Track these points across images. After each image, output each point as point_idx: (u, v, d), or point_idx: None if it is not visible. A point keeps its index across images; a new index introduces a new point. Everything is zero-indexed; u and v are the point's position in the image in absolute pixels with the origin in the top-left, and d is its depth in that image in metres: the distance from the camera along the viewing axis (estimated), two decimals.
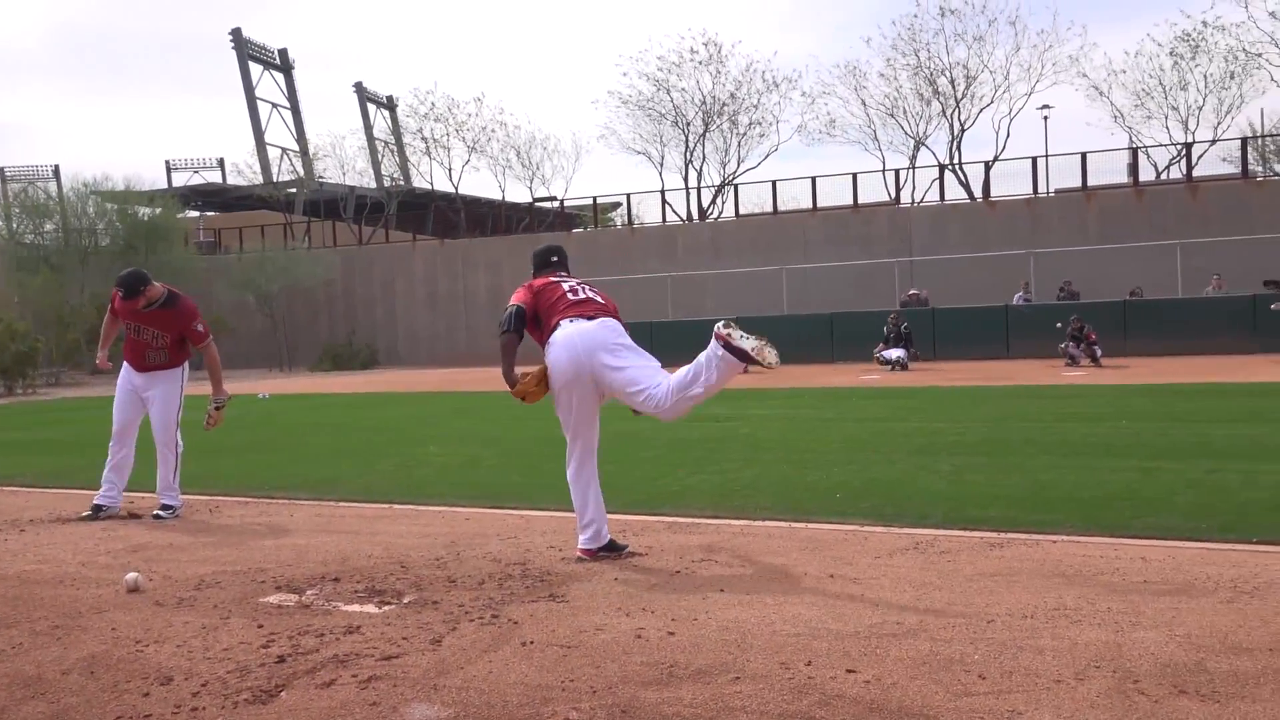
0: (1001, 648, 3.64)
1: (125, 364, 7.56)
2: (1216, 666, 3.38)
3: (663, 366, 5.51)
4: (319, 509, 7.39)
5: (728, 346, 5.02)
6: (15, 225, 41.69)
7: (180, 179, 48.84)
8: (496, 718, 3.18)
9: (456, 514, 6.93)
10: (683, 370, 5.17)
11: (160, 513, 7.25)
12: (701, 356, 5.15)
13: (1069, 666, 3.42)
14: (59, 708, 3.41)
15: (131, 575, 4.99)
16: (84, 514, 7.27)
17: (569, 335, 5.30)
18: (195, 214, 50.26)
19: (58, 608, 4.67)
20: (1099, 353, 21.28)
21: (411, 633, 4.06)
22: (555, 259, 5.95)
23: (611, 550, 5.38)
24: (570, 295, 5.55)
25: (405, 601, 4.57)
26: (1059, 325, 22.08)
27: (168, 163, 49.53)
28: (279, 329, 38.49)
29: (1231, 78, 33.53)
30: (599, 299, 5.59)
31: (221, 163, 49.99)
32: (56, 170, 46.39)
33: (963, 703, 3.16)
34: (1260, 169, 36.55)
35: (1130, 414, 11.64)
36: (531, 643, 3.89)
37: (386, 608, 4.47)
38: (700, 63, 39.51)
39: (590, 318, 5.39)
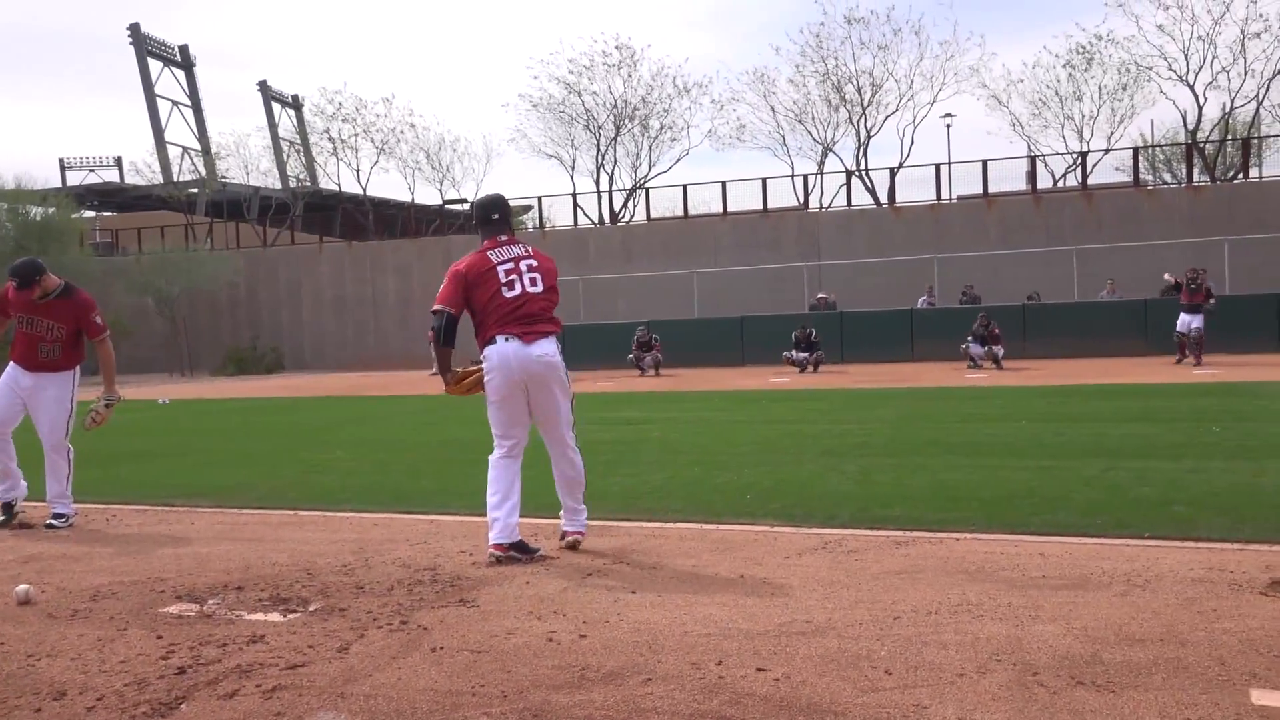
0: (907, 643, 3.71)
1: (12, 364, 7.23)
2: (1111, 657, 3.50)
3: (572, 370, 5.62)
4: (221, 516, 7.21)
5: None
6: None
7: (75, 178, 47.39)
8: None
9: (365, 519, 6.83)
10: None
11: (53, 522, 6.98)
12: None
13: (972, 660, 3.51)
14: None
15: (22, 588, 4.80)
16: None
17: (505, 357, 5.35)
18: (91, 214, 48.67)
19: None
20: (1001, 353, 21.84)
21: (318, 641, 3.99)
22: (496, 216, 5.72)
23: (522, 551, 5.35)
24: (506, 292, 5.41)
25: (311, 609, 4.48)
26: (975, 326, 22.56)
27: (62, 161, 48.05)
28: (180, 333, 37.49)
29: (1124, 89, 34.74)
30: (538, 288, 5.49)
31: (119, 161, 48.61)
32: None
33: (870, 698, 3.21)
34: (1150, 178, 38.00)
35: (1029, 415, 11.98)
36: (441, 648, 3.84)
37: (292, 616, 4.38)
38: (612, 66, 39.59)
39: (527, 339, 5.36)
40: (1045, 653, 3.56)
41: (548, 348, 5.40)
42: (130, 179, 46.89)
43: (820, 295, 28.52)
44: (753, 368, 25.49)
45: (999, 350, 21.88)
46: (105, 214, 50.07)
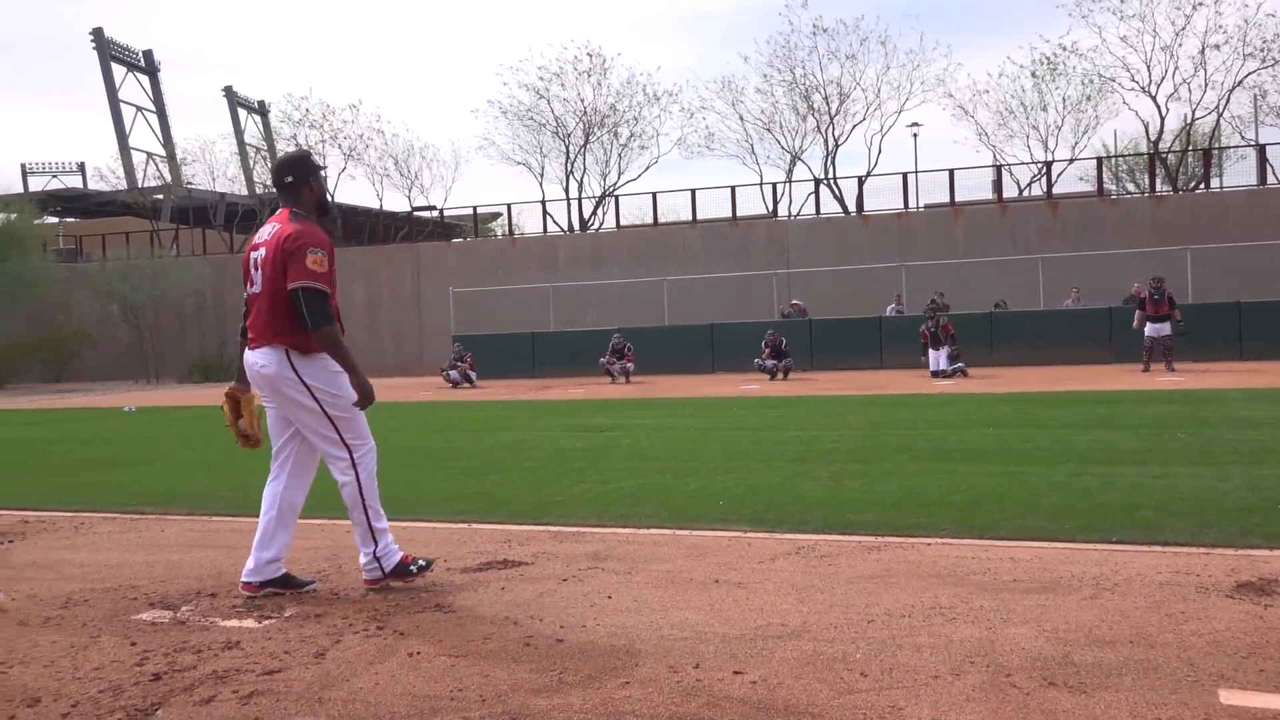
0: (881, 646, 3.76)
1: None
2: (1082, 659, 3.55)
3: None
4: (192, 524, 7.16)
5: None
6: None
7: (37, 183, 46.85)
8: None
9: (337, 526, 6.78)
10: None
11: None
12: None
13: (945, 662, 3.55)
14: None
15: None
16: None
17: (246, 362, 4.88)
18: (54, 220, 48.09)
19: None
20: (953, 353, 21.96)
21: (294, 646, 3.98)
22: (289, 180, 4.86)
23: (285, 585, 4.87)
24: (247, 288, 4.86)
25: (286, 615, 4.47)
26: (922, 328, 22.74)
27: (23, 166, 47.58)
28: (145, 340, 37.09)
29: (1087, 99, 35.17)
30: (257, 287, 4.75)
31: (82, 167, 48.19)
32: None
33: (846, 700, 3.25)
34: (1114, 187, 38.50)
35: (996, 421, 12.11)
36: (418, 653, 3.85)
37: (267, 622, 4.37)
38: (582, 73, 39.64)
39: (251, 345, 4.79)
40: (1018, 655, 3.62)
41: (262, 358, 4.72)
42: (94, 185, 46.46)
43: (795, 302, 28.66)
44: (723, 375, 25.59)
45: (951, 348, 21.98)
46: (69, 220, 49.51)
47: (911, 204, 33.56)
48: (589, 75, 39.64)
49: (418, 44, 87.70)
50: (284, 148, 44.47)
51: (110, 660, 3.88)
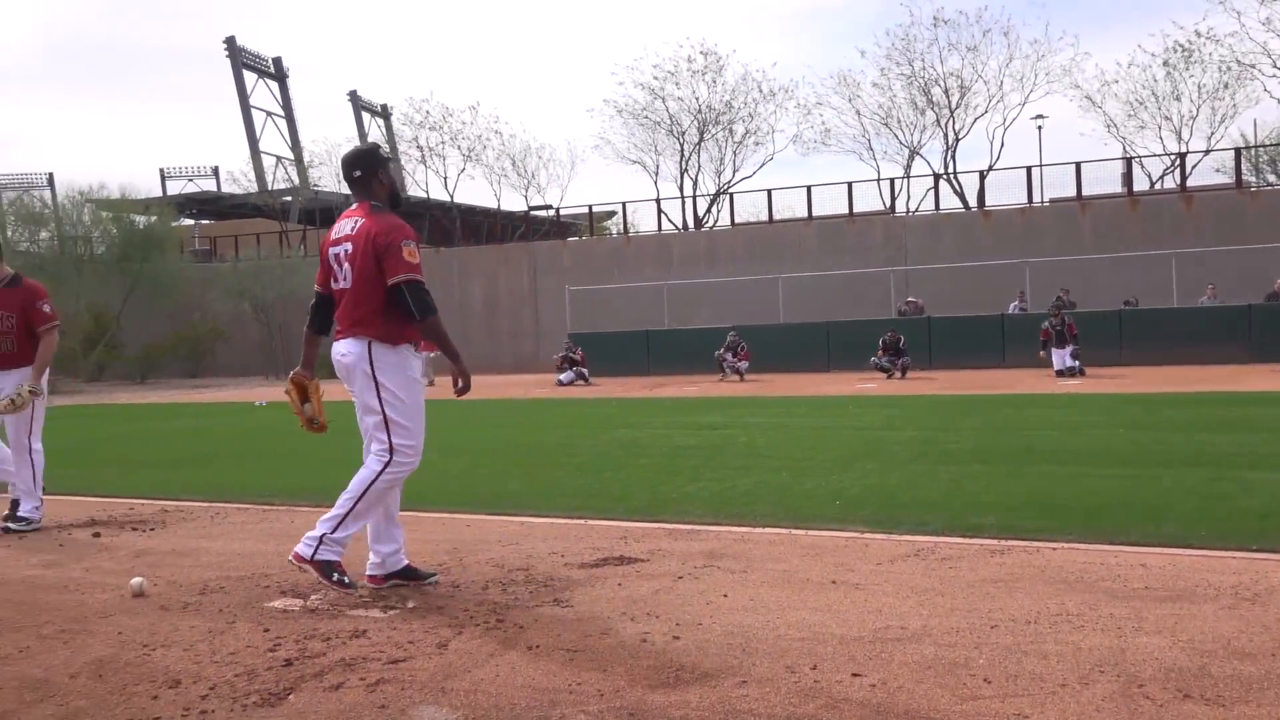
0: (1006, 652, 3.66)
1: None
2: (1220, 671, 3.41)
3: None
4: (319, 515, 7.38)
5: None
6: (10, 233, 41.64)
7: (175, 187, 48.94)
8: None
9: (457, 520, 6.94)
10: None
11: (10, 525, 6.96)
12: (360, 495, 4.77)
13: (1074, 671, 3.45)
14: (68, 710, 3.42)
15: (136, 580, 5.00)
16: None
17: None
18: (190, 222, 50.28)
19: (63, 612, 4.68)
20: (1075, 355, 21.32)
21: (417, 637, 4.08)
22: (358, 174, 4.89)
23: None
24: (330, 282, 4.90)
25: (410, 606, 4.58)
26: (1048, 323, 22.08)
27: (162, 171, 49.70)
28: (274, 337, 38.47)
29: (1225, 88, 33.70)
30: (349, 280, 4.76)
31: (216, 171, 50.11)
32: (51, 179, 46.44)
33: (969, 706, 3.18)
34: (1254, 179, 36.76)
35: (1126, 422, 11.69)
36: (537, 647, 3.90)
37: (391, 612, 4.49)
38: (696, 71, 39.64)
39: (338, 337, 4.87)
40: (1150, 665, 3.49)
41: (346, 348, 4.81)
42: (227, 188, 48.36)
43: (910, 300, 28.17)
44: (838, 373, 25.30)
45: (1074, 349, 21.36)
46: (203, 222, 51.69)
47: (1035, 198, 32.66)
48: (703, 73, 39.64)
49: (535, 45, 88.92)
50: (405, 150, 45.66)
51: (245, 645, 4.04)
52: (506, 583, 4.97)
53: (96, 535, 6.72)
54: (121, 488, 9.19)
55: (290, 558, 4.80)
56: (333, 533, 4.73)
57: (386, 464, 4.77)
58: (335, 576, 4.75)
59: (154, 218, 40.84)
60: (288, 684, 3.56)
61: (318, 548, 4.72)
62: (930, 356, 25.20)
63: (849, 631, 3.97)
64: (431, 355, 22.23)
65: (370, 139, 50.96)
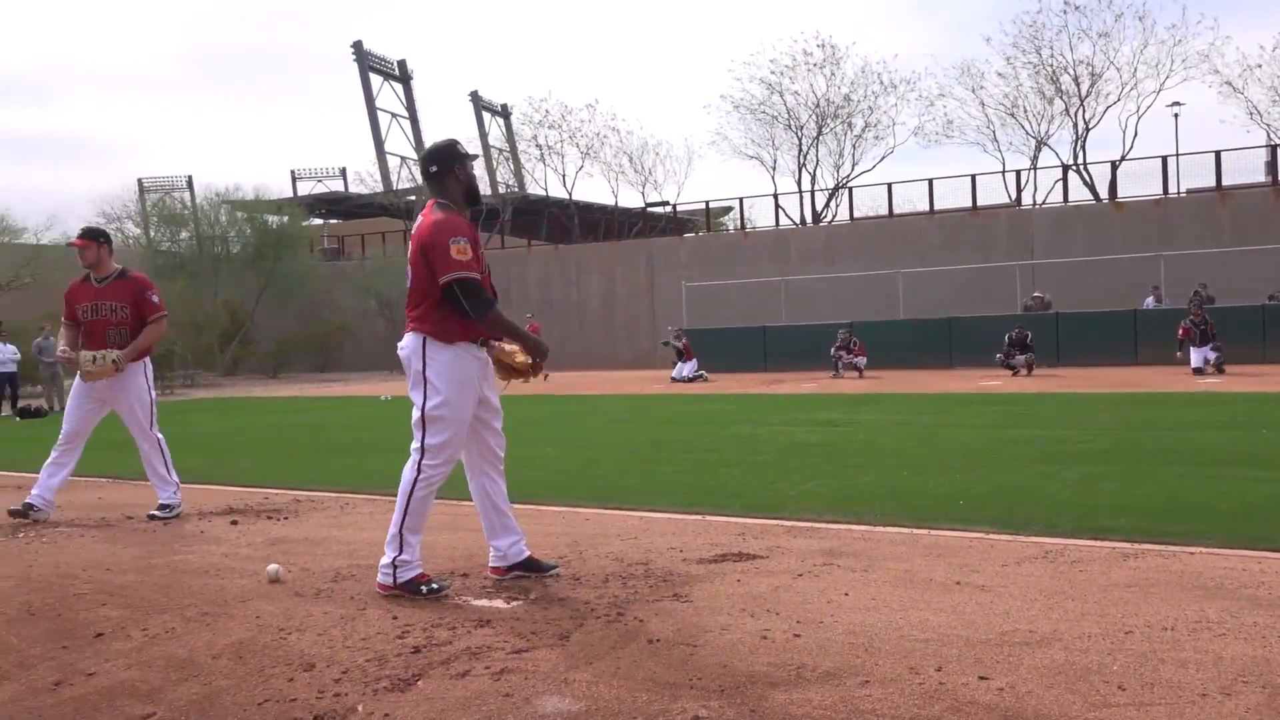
0: (1141, 659, 3.54)
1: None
2: None
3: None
4: (443, 507, 7.52)
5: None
6: (153, 234, 43.71)
7: (305, 188, 50.58)
8: (626, 713, 3.23)
9: (576, 514, 7.02)
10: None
11: (156, 513, 7.25)
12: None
13: (1214, 680, 3.31)
14: (210, 690, 3.58)
15: (272, 567, 5.20)
16: (13, 509, 7.19)
17: None
18: (319, 221, 51.93)
19: (205, 596, 4.90)
20: (1217, 349, 20.43)
21: (540, 628, 4.14)
22: (434, 169, 4.91)
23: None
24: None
25: (531, 598, 4.66)
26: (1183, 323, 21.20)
27: (293, 172, 51.38)
28: (398, 333, 39.42)
29: None
30: (410, 278, 4.86)
31: (344, 172, 51.61)
32: (190, 181, 48.46)
33: (1102, 714, 3.09)
34: None
35: (1270, 423, 11.15)
36: (658, 641, 3.93)
37: (514, 603, 4.57)
38: (815, 65, 39.23)
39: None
40: None
41: (405, 342, 4.88)
42: (354, 188, 49.81)
43: (1036, 295, 27.36)
44: (961, 370, 24.74)
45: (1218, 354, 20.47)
46: (332, 221, 53.33)
47: (1171, 189, 31.35)
48: (822, 67, 39.21)
49: (653, 43, 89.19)
50: (525, 149, 46.35)
51: (375, 632, 4.17)
52: (626, 577, 5.01)
53: (234, 523, 7.00)
54: (257, 478, 9.57)
55: (378, 590, 4.77)
56: (399, 555, 4.71)
57: (418, 468, 4.74)
58: (425, 589, 4.70)
59: (286, 218, 42.33)
60: (416, 670, 3.66)
61: (394, 573, 4.72)
62: (1058, 354, 24.44)
63: (975, 634, 3.89)
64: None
65: (490, 138, 51.84)
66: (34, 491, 7.30)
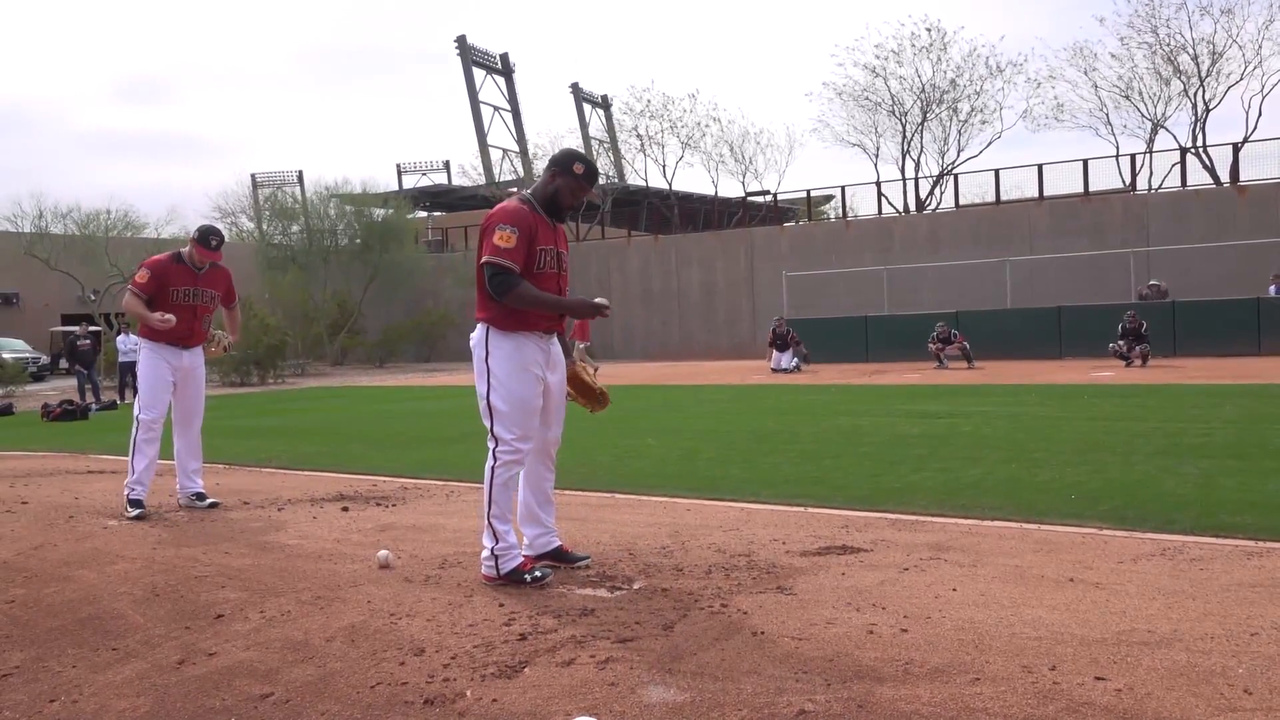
0: (1269, 662, 3.40)
1: (163, 346, 7.25)
2: None
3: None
4: None
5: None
6: (266, 227, 45.05)
7: (410, 181, 51.54)
8: (731, 704, 3.22)
9: (677, 504, 7.03)
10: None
11: (198, 503, 7.37)
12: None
13: None
14: (325, 671, 3.69)
15: (383, 553, 5.32)
16: (131, 515, 7.05)
17: None
18: (424, 214, 52.86)
19: (319, 580, 5.04)
20: None
21: (643, 618, 4.16)
22: (547, 168, 5.03)
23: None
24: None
25: (635, 587, 4.68)
26: None
27: (398, 166, 52.39)
28: None
29: None
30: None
31: (447, 165, 52.44)
32: (300, 175, 49.79)
33: (1227, 718, 2.97)
34: None
35: None
36: (762, 633, 3.91)
37: (618, 592, 4.59)
38: (921, 49, 38.50)
39: None
40: None
41: (475, 331, 4.92)
42: (457, 181, 50.59)
43: (1152, 283, 26.45)
44: (1071, 360, 24.06)
45: None
46: (436, 214, 54.25)
47: None
48: (928, 51, 38.47)
49: (754, 31, 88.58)
50: (625, 139, 46.50)
51: (482, 618, 4.23)
52: (729, 568, 5.00)
53: (345, 509, 7.18)
54: (366, 465, 9.81)
55: (483, 581, 4.82)
56: (495, 545, 4.77)
57: (493, 456, 4.78)
58: (529, 578, 4.75)
59: (392, 210, 43.18)
60: (523, 657, 3.71)
61: (496, 563, 4.78)
62: (1175, 344, 23.60)
63: (1090, 632, 3.78)
64: (584, 345, 22.59)
65: (591, 130, 52.12)
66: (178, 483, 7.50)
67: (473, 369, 4.92)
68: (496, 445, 4.79)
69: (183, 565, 5.50)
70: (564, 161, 4.92)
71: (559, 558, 5.08)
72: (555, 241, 4.92)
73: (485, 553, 4.82)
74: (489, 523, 4.78)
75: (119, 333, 24.48)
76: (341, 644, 3.98)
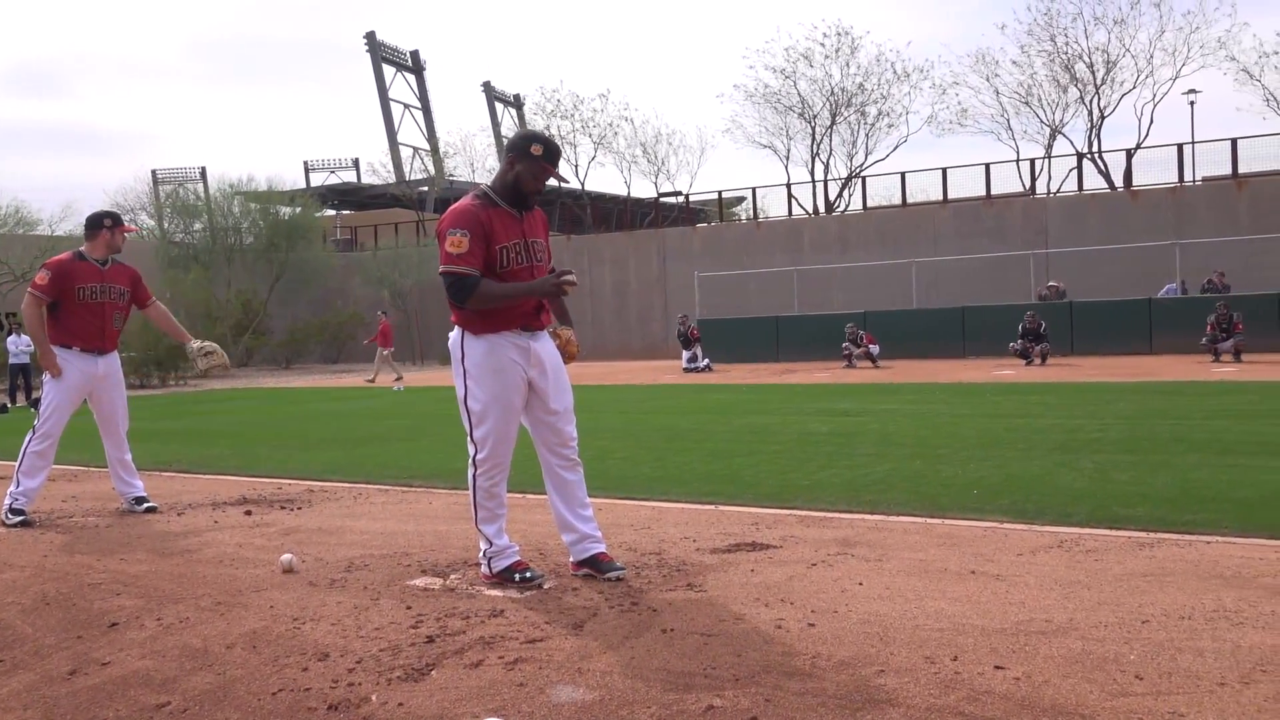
0: (1158, 648, 3.51)
1: (75, 352, 6.82)
2: None
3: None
4: (455, 497, 7.55)
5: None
6: (167, 225, 43.84)
7: (318, 179, 50.63)
8: (640, 702, 3.22)
9: (616, 505, 6.99)
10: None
11: (150, 504, 7.20)
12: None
13: (1233, 669, 3.29)
14: (225, 679, 3.59)
15: (286, 557, 5.20)
16: (13, 522, 6.76)
17: None
18: (332, 212, 51.98)
19: (219, 585, 4.91)
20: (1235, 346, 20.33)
21: (553, 617, 4.14)
22: (506, 148, 4.86)
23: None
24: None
25: (545, 588, 4.65)
26: (1210, 317, 21.12)
27: (306, 163, 51.44)
28: (412, 323, 39.54)
29: None
30: None
31: (356, 163, 51.64)
32: (203, 172, 48.57)
33: (1119, 703, 3.06)
34: None
35: None
36: (672, 630, 3.91)
37: (528, 593, 4.56)
38: (830, 53, 39.07)
39: None
40: None
41: (451, 334, 4.83)
42: (366, 179, 49.84)
43: (1050, 284, 27.26)
44: (974, 359, 24.66)
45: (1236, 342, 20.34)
46: (344, 212, 53.40)
47: (1187, 177, 31.14)
48: (837, 54, 39.06)
49: (665, 32, 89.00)
50: None
51: (389, 621, 4.16)
52: (639, 566, 5.00)
53: (248, 513, 7.01)
54: (271, 468, 9.60)
55: (481, 580, 4.78)
56: (489, 548, 4.77)
57: (472, 461, 4.71)
58: (518, 578, 4.70)
59: (298, 209, 42.39)
60: (430, 660, 3.66)
61: (488, 563, 4.78)
62: (1072, 343, 24.35)
63: (990, 623, 3.87)
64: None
65: (503, 129, 51.79)
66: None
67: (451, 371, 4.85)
68: (476, 451, 4.71)
69: (75, 572, 5.32)
70: (520, 145, 4.69)
71: (595, 566, 4.87)
72: (523, 232, 4.74)
73: (480, 555, 4.84)
74: (477, 528, 4.78)
75: (9, 333, 23.56)
76: (242, 651, 3.88)
